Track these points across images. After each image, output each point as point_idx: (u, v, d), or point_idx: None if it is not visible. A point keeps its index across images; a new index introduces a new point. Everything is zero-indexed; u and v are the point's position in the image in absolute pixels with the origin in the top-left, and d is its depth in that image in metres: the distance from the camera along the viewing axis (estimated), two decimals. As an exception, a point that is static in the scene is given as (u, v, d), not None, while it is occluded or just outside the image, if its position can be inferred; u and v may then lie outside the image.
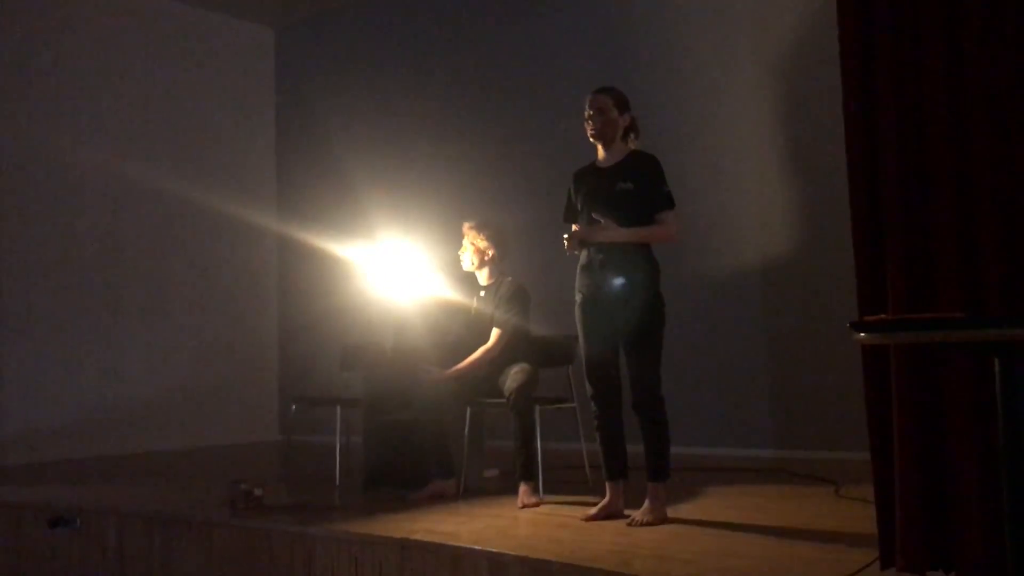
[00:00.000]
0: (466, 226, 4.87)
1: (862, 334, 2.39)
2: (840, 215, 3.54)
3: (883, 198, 2.97)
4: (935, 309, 2.83)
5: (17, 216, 7.10)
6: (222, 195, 8.36)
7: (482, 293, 4.90)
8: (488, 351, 4.79)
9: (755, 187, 6.49)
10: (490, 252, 4.86)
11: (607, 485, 4.16)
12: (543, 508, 4.48)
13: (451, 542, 3.73)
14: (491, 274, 4.88)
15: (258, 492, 4.53)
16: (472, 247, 4.86)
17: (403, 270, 4.90)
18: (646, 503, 4.03)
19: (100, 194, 7.59)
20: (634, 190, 4.02)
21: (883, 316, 2.74)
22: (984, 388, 2.73)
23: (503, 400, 4.66)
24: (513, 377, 4.66)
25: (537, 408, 4.76)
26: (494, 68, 7.78)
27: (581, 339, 4.14)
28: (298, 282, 8.68)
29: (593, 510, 4.13)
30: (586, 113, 4.13)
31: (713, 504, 4.62)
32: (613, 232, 3.98)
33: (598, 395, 4.09)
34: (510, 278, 4.87)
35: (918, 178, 2.94)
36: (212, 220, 8.24)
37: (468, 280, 4.91)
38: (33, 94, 7.26)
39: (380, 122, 8.37)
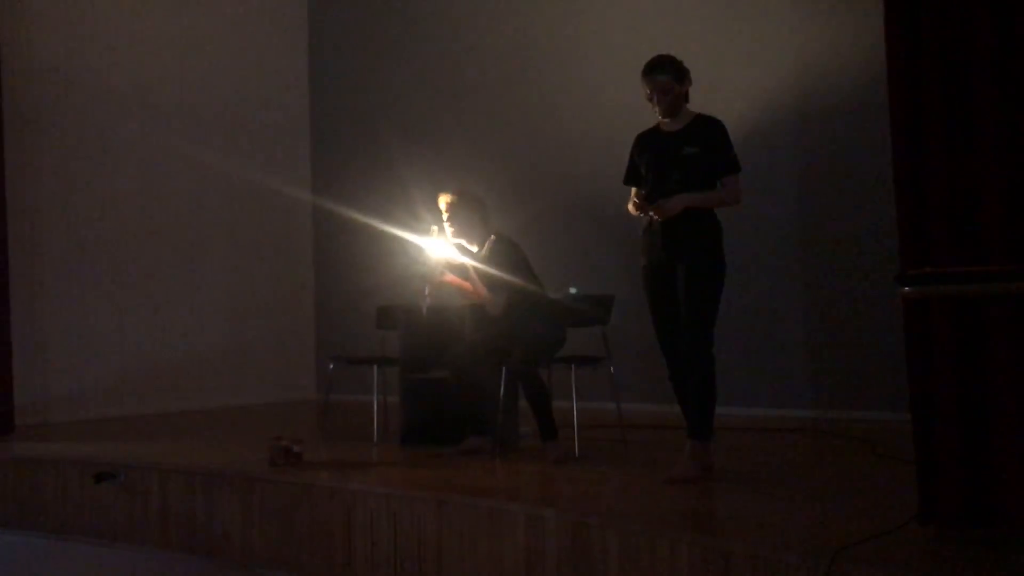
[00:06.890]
0: (443, 200, 4.86)
1: (907, 288, 2.36)
2: (881, 167, 3.49)
3: (926, 149, 2.91)
4: (978, 263, 2.78)
5: (59, 183, 7.17)
6: (258, 156, 8.38)
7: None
8: (491, 307, 4.78)
9: (791, 142, 6.40)
10: (473, 218, 4.85)
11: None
12: (577, 465, 4.50)
13: (488, 498, 3.76)
14: (479, 237, 4.88)
15: (297, 448, 4.59)
16: (454, 217, 4.85)
17: (437, 231, 4.89)
18: (684, 460, 4.03)
19: (138, 157, 7.62)
20: (700, 154, 4.03)
21: (928, 269, 2.70)
22: (1028, 343, 2.69)
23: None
24: (517, 347, 4.68)
25: (574, 367, 4.81)
26: (536, 23, 7.69)
27: (649, 304, 4.19)
28: (334, 241, 8.70)
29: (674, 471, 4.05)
30: (647, 94, 4.09)
31: (750, 463, 4.62)
32: (685, 199, 3.99)
33: (669, 355, 4.16)
34: (493, 236, 4.87)
35: (962, 129, 2.87)
36: (248, 181, 8.26)
37: (460, 250, 4.93)
38: (72, 62, 7.29)
39: (417, 82, 8.32)
